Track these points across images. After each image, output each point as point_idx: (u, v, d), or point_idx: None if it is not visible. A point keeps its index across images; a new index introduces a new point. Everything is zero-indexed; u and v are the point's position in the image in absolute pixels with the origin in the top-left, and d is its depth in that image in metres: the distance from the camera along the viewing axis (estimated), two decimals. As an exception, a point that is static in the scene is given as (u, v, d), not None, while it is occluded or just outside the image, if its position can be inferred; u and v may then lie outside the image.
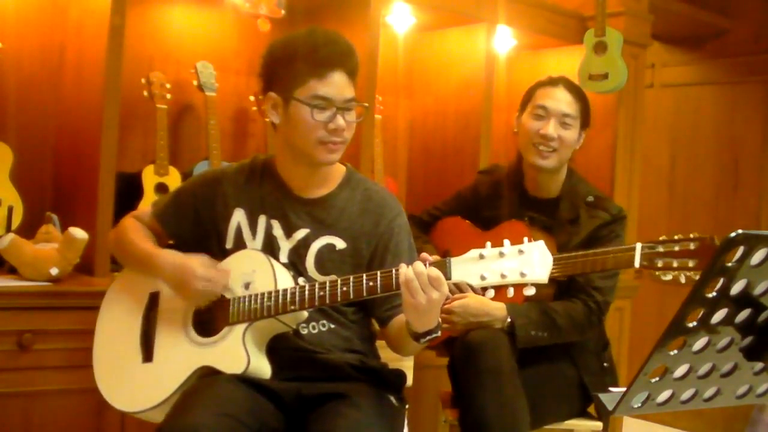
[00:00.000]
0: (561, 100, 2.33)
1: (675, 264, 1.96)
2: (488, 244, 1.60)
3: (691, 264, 1.93)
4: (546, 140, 2.29)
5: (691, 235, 1.97)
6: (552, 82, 2.38)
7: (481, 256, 1.59)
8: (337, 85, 1.75)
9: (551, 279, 2.14)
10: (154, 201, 2.01)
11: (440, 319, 1.69)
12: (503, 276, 1.57)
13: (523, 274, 1.56)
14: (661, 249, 1.98)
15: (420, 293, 1.57)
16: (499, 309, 2.16)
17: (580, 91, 2.40)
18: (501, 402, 1.99)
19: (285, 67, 1.77)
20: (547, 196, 2.37)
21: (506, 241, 1.59)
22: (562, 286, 2.24)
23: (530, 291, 1.59)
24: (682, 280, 1.97)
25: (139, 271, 1.90)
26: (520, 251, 1.57)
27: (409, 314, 1.64)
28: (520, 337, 2.13)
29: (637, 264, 2.01)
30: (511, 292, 1.60)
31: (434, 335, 1.69)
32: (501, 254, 1.58)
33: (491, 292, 1.61)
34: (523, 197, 2.39)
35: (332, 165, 1.85)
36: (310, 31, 1.81)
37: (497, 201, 2.42)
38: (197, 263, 1.78)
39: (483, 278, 1.58)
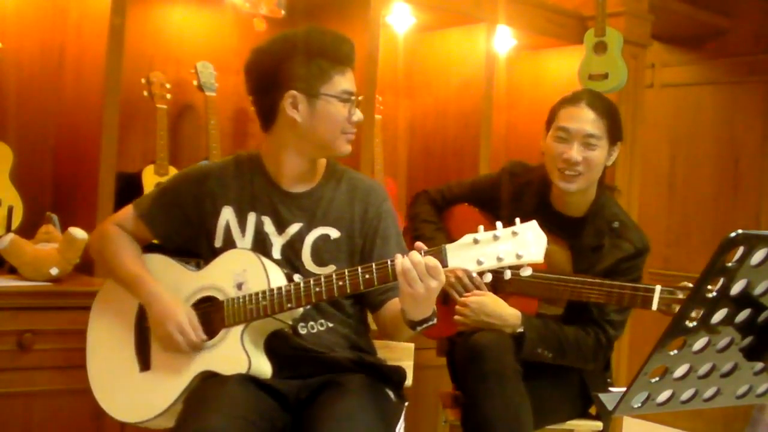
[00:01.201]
0: (583, 120, 2.16)
1: (693, 314, 1.94)
2: (480, 228, 1.59)
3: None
4: (570, 165, 2.15)
5: (709, 287, 1.95)
6: (574, 99, 2.21)
7: (476, 241, 1.58)
8: (352, 79, 1.84)
9: (561, 299, 2.15)
10: (136, 201, 1.95)
11: (435, 308, 1.69)
12: (499, 259, 1.57)
13: (519, 256, 1.56)
14: (680, 296, 1.98)
15: (418, 283, 1.58)
16: (513, 316, 2.13)
17: (606, 104, 2.22)
18: (505, 406, 1.98)
19: (305, 65, 1.79)
20: (572, 215, 2.25)
21: (499, 224, 1.59)
22: (572, 308, 2.20)
23: (527, 272, 1.59)
24: None
25: (121, 287, 1.87)
26: (514, 233, 1.57)
27: (406, 303, 1.65)
28: (525, 349, 2.11)
29: (654, 307, 2.01)
30: (508, 274, 1.60)
31: (430, 323, 1.69)
32: (495, 237, 1.58)
33: (488, 276, 1.61)
34: (547, 210, 2.26)
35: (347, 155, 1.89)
36: (313, 29, 1.85)
37: (517, 204, 2.30)
38: (182, 310, 1.76)
39: (480, 263, 1.58)
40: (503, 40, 3.46)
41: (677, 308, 1.97)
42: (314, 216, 1.85)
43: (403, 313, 1.69)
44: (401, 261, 1.59)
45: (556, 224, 2.22)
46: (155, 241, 1.94)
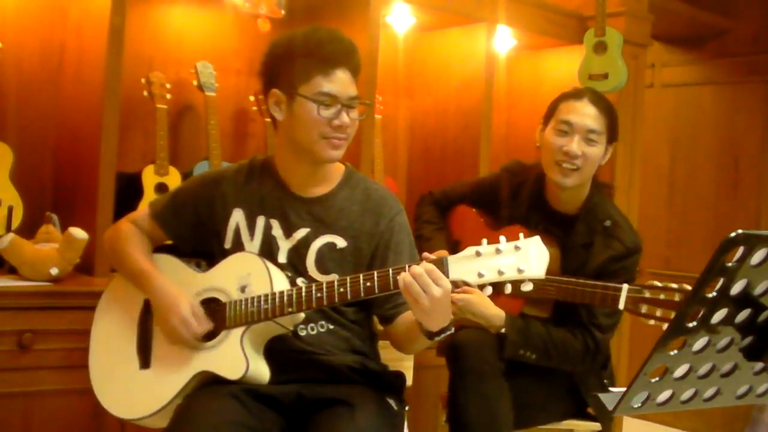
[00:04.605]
0: (586, 115, 2.18)
1: (658, 313, 1.96)
2: (484, 241, 1.59)
3: (673, 315, 1.92)
4: (569, 158, 2.16)
5: (675, 285, 1.97)
6: (577, 94, 2.24)
7: (478, 254, 1.58)
8: (341, 82, 1.76)
9: (548, 297, 2.15)
10: (151, 201, 1.99)
11: (453, 318, 1.66)
12: (500, 273, 1.57)
13: (520, 270, 1.56)
14: (647, 294, 1.99)
15: (422, 296, 1.55)
16: (497, 317, 2.13)
17: (607, 104, 2.24)
18: (482, 403, 2.00)
19: (289, 63, 1.77)
20: (565, 212, 2.27)
21: (502, 238, 1.58)
22: (560, 311, 2.19)
23: (528, 287, 1.59)
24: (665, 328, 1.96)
25: (130, 281, 1.88)
26: (517, 247, 1.57)
27: (420, 317, 1.62)
28: (506, 351, 2.12)
29: (621, 306, 2.01)
30: (509, 288, 1.60)
31: (448, 332, 1.66)
32: (498, 251, 1.57)
33: (489, 289, 1.61)
34: (541, 206, 2.30)
35: (334, 162, 1.85)
36: (314, 28, 1.81)
37: (515, 202, 2.34)
38: (185, 303, 1.75)
39: (480, 275, 1.57)
40: (503, 40, 3.46)
41: (644, 308, 1.98)
42: (323, 223, 1.83)
43: (420, 325, 1.65)
44: (402, 277, 1.57)
45: (548, 221, 2.25)
46: (169, 242, 1.95)
